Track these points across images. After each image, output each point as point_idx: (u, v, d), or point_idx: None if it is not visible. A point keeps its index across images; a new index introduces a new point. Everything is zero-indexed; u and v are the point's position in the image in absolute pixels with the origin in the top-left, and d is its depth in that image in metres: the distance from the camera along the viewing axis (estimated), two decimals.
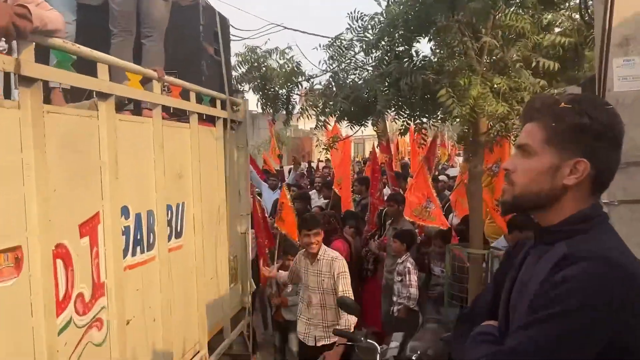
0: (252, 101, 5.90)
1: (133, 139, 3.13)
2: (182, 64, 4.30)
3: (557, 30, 4.69)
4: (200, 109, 4.14)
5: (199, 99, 4.19)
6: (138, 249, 3.17)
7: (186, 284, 3.88)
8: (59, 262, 2.41)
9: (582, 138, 1.37)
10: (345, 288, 4.32)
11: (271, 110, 5.82)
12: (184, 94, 3.91)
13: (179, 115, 3.93)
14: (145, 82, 3.36)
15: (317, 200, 9.84)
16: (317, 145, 7.87)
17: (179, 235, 3.75)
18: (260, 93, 5.63)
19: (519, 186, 1.44)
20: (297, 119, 5.98)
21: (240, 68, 5.59)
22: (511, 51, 4.32)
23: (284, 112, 5.91)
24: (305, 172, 14.32)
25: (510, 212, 1.61)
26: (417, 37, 4.66)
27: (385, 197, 7.48)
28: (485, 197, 5.54)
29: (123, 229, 2.97)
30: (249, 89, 5.68)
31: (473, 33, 4.28)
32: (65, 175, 2.47)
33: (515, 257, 1.58)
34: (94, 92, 2.72)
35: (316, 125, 5.56)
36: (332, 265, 4.38)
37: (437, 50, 4.60)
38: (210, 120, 4.49)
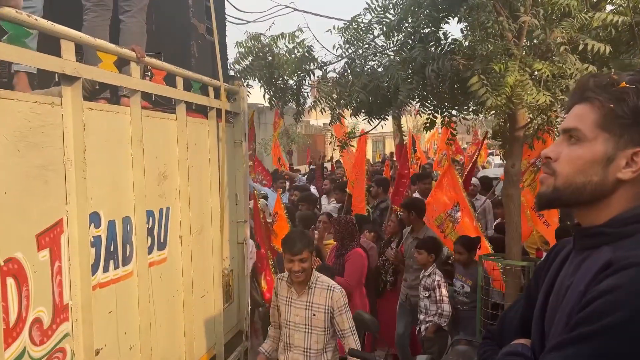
0: (258, 94, 5.61)
1: (106, 132, 2.77)
2: (168, 44, 3.94)
3: (608, 7, 4.42)
4: (188, 97, 3.75)
5: (188, 85, 3.82)
6: (111, 263, 2.81)
7: (171, 304, 3.48)
8: (10, 280, 2.10)
9: None
10: (352, 324, 3.70)
11: (279, 103, 5.52)
12: (170, 80, 3.56)
13: (164, 105, 3.59)
14: (123, 64, 3.03)
15: (326, 204, 9.41)
16: (330, 143, 7.55)
17: (162, 246, 3.37)
18: (267, 85, 5.33)
19: (562, 176, 1.33)
20: (309, 113, 5.68)
21: (244, 60, 5.28)
22: (554, 32, 4.05)
23: (294, 106, 5.61)
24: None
25: (547, 206, 1.44)
26: (446, 18, 4.43)
27: None
28: (526, 196, 5.21)
29: (92, 240, 2.61)
30: (254, 79, 5.36)
31: (510, 12, 4.03)
32: (19, 175, 2.17)
33: (553, 261, 1.46)
34: (55, 75, 2.41)
35: (331, 120, 5.27)
36: (331, 297, 3.67)
37: (469, 32, 4.34)
38: (201, 111, 4.08)
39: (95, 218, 2.66)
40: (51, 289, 2.33)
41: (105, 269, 2.76)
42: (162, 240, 3.36)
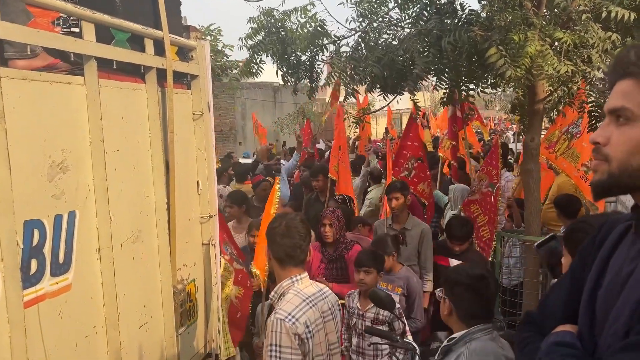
0: (272, 70, 5.58)
1: None
2: None
3: None
4: (103, 51, 2.69)
5: (108, 36, 2.85)
6: None
7: (83, 350, 2.52)
8: None
9: None
10: None
11: (292, 80, 5.48)
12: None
13: (75, 64, 2.65)
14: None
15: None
16: (345, 119, 6.97)
17: (62, 269, 2.42)
18: (280, 61, 5.28)
19: (616, 161, 1.24)
20: (322, 90, 5.60)
21: (256, 36, 5.23)
22: (576, 0, 3.92)
23: (308, 82, 5.57)
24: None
25: (605, 194, 1.35)
26: None
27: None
28: (563, 165, 5.08)
29: None
30: (267, 55, 5.33)
31: None
32: None
33: (602, 242, 1.40)
34: None
35: (345, 97, 5.23)
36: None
37: (486, 2, 4.26)
38: (137, 72, 3.11)
39: None
40: None
41: None
42: (61, 261, 2.44)
